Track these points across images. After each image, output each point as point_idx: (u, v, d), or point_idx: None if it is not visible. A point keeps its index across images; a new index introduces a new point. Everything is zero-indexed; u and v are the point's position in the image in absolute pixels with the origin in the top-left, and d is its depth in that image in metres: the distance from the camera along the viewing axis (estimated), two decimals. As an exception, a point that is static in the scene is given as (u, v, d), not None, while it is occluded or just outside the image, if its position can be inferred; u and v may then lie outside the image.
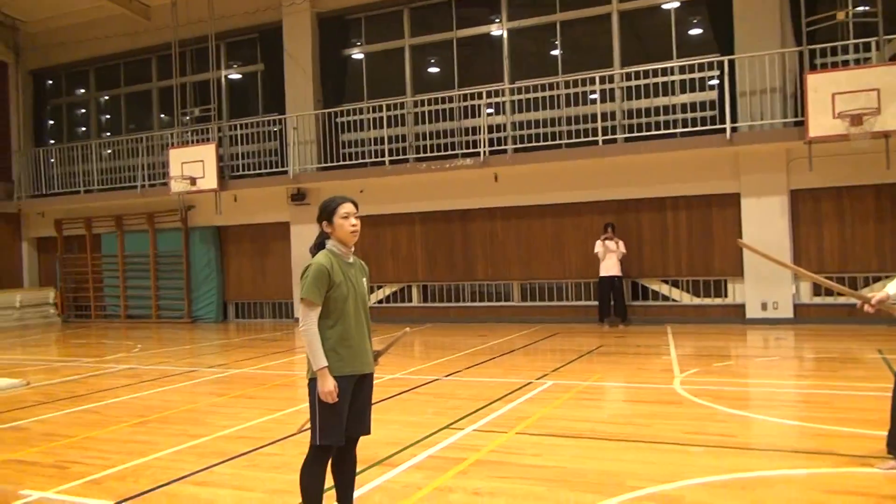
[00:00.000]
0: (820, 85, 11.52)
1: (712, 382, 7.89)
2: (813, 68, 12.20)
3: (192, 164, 16.42)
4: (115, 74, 19.94)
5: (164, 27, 17.89)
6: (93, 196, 18.89)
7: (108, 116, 20.64)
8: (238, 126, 17.47)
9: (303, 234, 16.07)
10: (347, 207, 3.84)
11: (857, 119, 11.11)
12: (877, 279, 12.46)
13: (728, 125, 12.50)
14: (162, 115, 19.42)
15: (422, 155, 15.42)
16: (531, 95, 14.60)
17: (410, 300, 16.07)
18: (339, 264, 3.80)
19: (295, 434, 5.86)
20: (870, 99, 11.11)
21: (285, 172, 16.24)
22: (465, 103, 15.08)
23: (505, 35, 15.33)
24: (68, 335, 16.52)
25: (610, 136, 13.75)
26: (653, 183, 13.75)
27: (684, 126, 13.36)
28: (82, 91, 20.73)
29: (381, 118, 15.55)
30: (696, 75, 13.35)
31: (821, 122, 11.47)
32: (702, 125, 13.09)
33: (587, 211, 14.34)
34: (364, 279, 3.97)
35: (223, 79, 18.15)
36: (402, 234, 15.95)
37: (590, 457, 5.23)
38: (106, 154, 19.20)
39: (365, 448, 4.36)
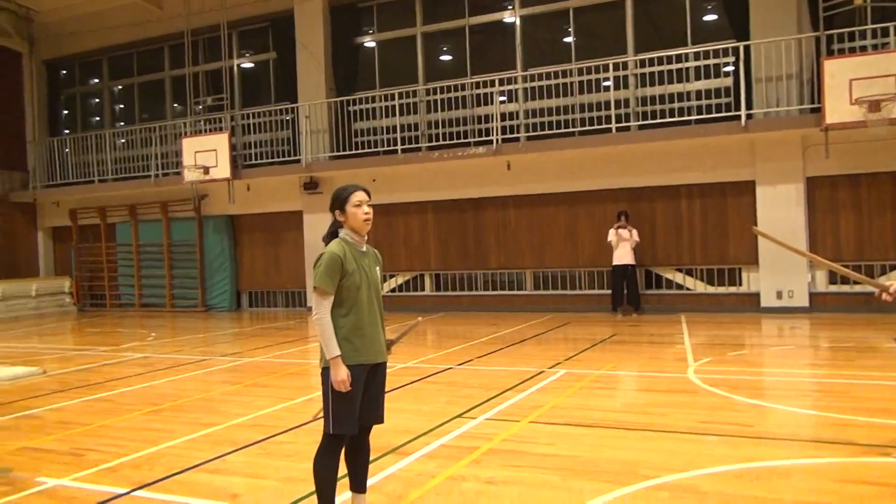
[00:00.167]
0: (837, 71, 11.37)
1: (727, 371, 7.85)
2: (830, 54, 12.05)
3: (205, 154, 16.45)
4: (127, 64, 19.99)
5: (177, 16, 17.90)
6: (107, 185, 19.00)
7: (121, 106, 20.72)
8: (250, 115, 17.49)
9: (315, 223, 16.08)
10: (360, 196, 3.82)
11: (874, 105, 10.97)
12: (894, 267, 12.34)
13: (743, 112, 12.38)
14: (175, 105, 19.45)
15: (434, 143, 15.38)
16: (544, 83, 14.51)
17: (423, 289, 16.07)
18: (352, 253, 3.78)
19: (308, 422, 5.88)
20: (888, 85, 10.96)
21: (298, 161, 16.25)
22: (477, 91, 15.01)
23: (517, 22, 15.23)
24: (83, 324, 16.65)
25: (623, 124, 13.65)
26: (667, 171, 13.65)
27: (699, 113, 13.24)
28: (96, 81, 20.80)
29: (394, 106, 15.51)
30: (711, 62, 13.23)
31: (838, 109, 11.34)
32: (717, 112, 12.97)
33: (600, 199, 14.26)
34: (377, 268, 3.95)
35: (235, 67, 18.15)
36: (415, 222, 15.93)
37: (603, 446, 5.21)
38: (120, 143, 19.29)
39: (378, 436, 4.36)
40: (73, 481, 4.82)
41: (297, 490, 4.45)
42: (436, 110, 15.54)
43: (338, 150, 16.17)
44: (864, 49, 12.07)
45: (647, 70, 13.76)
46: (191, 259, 18.39)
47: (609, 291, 13.91)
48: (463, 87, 15.20)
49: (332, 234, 3.89)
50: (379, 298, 3.91)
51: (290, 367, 9.31)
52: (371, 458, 4.09)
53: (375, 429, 3.98)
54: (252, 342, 12.01)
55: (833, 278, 12.79)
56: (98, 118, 20.90)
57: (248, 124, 17.53)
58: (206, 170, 16.38)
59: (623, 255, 13.34)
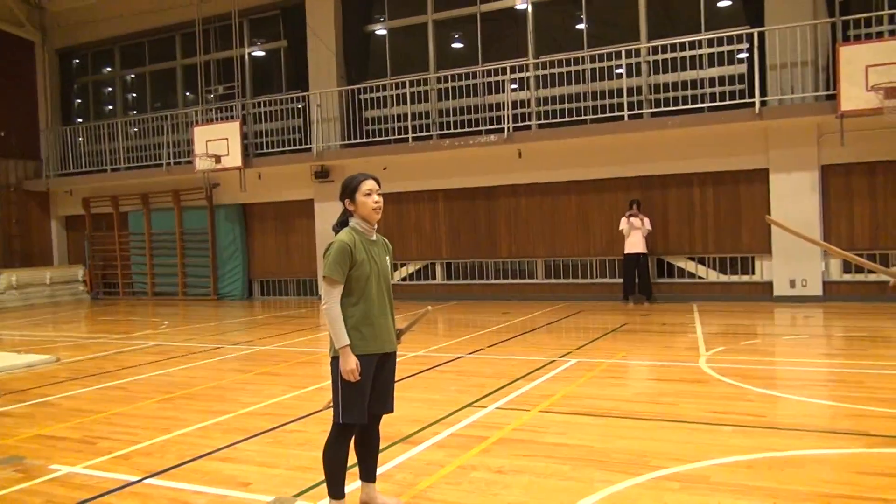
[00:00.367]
0: (853, 57, 11.23)
1: (739, 361, 7.80)
2: (846, 40, 11.91)
3: (217, 142, 16.48)
4: (139, 52, 20.02)
5: (188, 4, 17.89)
6: (119, 174, 19.08)
7: (133, 95, 20.77)
8: (262, 103, 17.48)
9: (327, 212, 16.09)
10: (370, 184, 3.81)
11: (891, 92, 10.83)
12: (909, 256, 12.22)
13: (757, 99, 12.26)
14: (186, 93, 19.47)
15: (445, 131, 15.33)
16: (556, 70, 14.41)
17: (434, 277, 16.07)
18: (361, 242, 3.77)
19: (319, 411, 5.89)
20: (905, 71, 10.82)
21: (309, 150, 16.24)
22: (488, 79, 14.94)
23: (529, 9, 15.11)
24: (97, 312, 16.77)
25: (636, 112, 13.55)
26: (679, 159, 13.55)
27: (712, 100, 13.12)
28: (108, 69, 20.86)
29: (405, 94, 15.46)
30: (725, 48, 13.09)
31: (853, 96, 11.21)
32: (730, 99, 12.84)
33: (612, 187, 14.18)
34: (387, 257, 3.94)
35: (246, 56, 18.13)
36: (426, 211, 15.91)
37: (614, 436, 5.19)
38: (132, 132, 19.34)
39: (388, 425, 4.36)
40: (86, 469, 4.86)
41: (307, 479, 4.46)
42: (447, 98, 15.48)
43: (349, 139, 16.15)
44: (880, 35, 11.91)
45: (660, 57, 13.63)
46: (203, 248, 18.46)
47: (621, 280, 13.86)
48: (474, 75, 15.13)
49: (341, 223, 3.88)
50: (389, 288, 3.90)
51: (301, 356, 9.33)
52: (381, 448, 4.10)
53: (385, 418, 3.98)
54: (264, 330, 12.05)
55: (847, 267, 12.68)
56: (110, 107, 20.97)
57: (260, 113, 17.54)
58: (218, 158, 16.41)
59: (635, 243, 13.27)
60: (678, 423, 5.46)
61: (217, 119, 17.47)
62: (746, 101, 12.55)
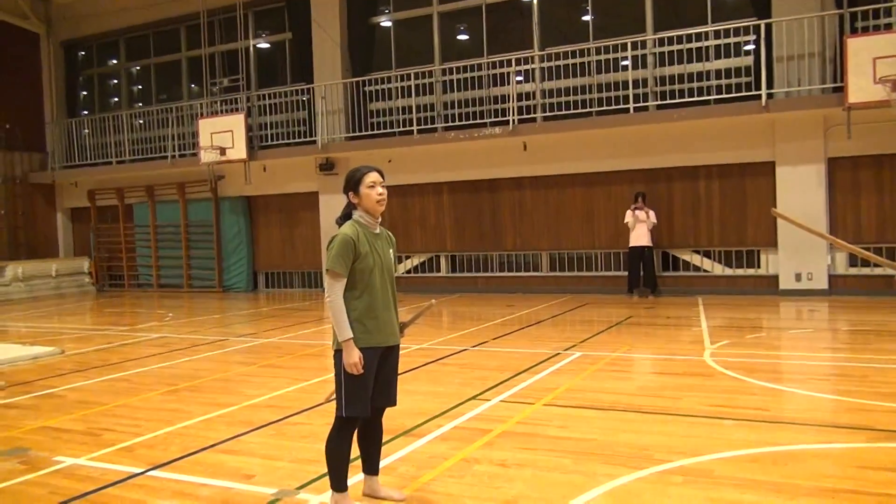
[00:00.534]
0: (860, 49, 11.16)
1: (744, 355, 7.78)
2: (853, 32, 11.82)
3: (222, 135, 16.49)
4: (144, 45, 20.00)
5: (193, -4, 17.87)
6: (124, 166, 19.10)
7: (139, 87, 20.76)
8: (266, 96, 17.47)
9: (331, 204, 16.08)
10: (373, 177, 3.79)
11: (898, 84, 10.76)
12: (916, 250, 12.16)
13: (764, 91, 12.19)
14: (192, 86, 19.46)
15: (450, 124, 15.29)
16: (561, 62, 14.36)
17: (438, 270, 16.06)
18: (365, 235, 3.76)
19: (322, 404, 5.89)
20: (912, 64, 10.75)
21: (314, 142, 16.23)
22: (493, 71, 14.89)
23: (535, 1, 15.04)
24: (102, 304, 16.82)
25: (641, 104, 13.51)
26: (685, 151, 13.50)
27: (718, 93, 13.05)
28: (113, 61, 20.85)
29: (410, 87, 15.43)
30: (732, 40, 13.02)
31: (861, 88, 11.14)
32: (736, 92, 12.78)
33: (617, 180, 14.14)
34: (391, 250, 3.93)
35: (251, 48, 18.11)
36: (431, 203, 15.89)
37: (618, 429, 5.18)
38: (137, 124, 19.36)
39: (391, 418, 4.36)
40: (90, 461, 4.87)
41: (310, 471, 4.46)
42: (452, 90, 15.44)
43: (353, 131, 16.13)
44: (888, 27, 11.83)
45: (666, 49, 13.58)
46: (208, 240, 18.49)
47: (625, 273, 13.84)
48: (479, 67, 15.08)
49: (345, 216, 3.87)
50: (392, 281, 3.89)
51: (305, 348, 9.34)
52: (384, 440, 4.11)
53: (389, 411, 3.99)
54: (268, 323, 12.07)
55: (853, 261, 12.62)
56: (116, 99, 20.97)
57: (264, 105, 17.53)
58: (223, 151, 16.42)
59: (640, 236, 13.24)
60: (682, 416, 5.45)
61: (222, 111, 17.47)
62: (753, 93, 12.49)
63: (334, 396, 3.81)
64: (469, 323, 11.10)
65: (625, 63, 13.88)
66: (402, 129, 15.48)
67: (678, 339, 9.06)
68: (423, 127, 15.24)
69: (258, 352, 9.27)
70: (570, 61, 14.22)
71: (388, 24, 16.64)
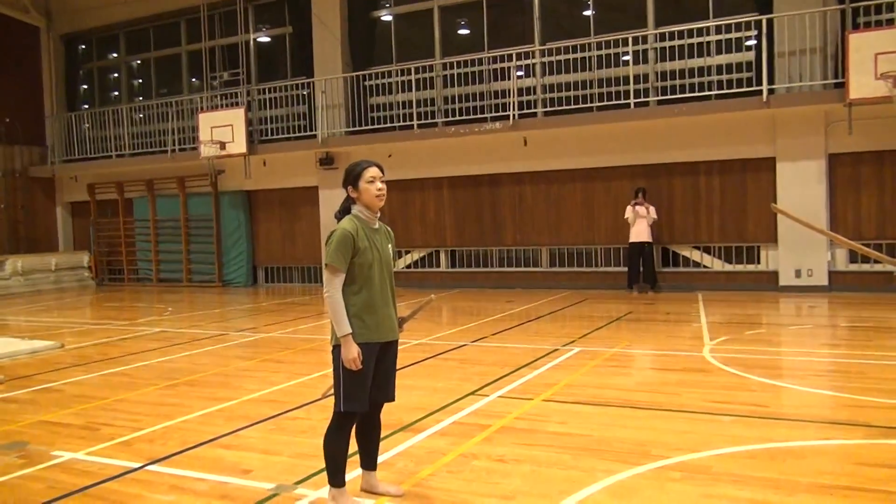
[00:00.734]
0: (862, 44, 11.13)
1: (743, 351, 7.78)
2: (855, 27, 11.79)
3: (222, 129, 16.46)
4: (144, 38, 19.95)
5: (193, -10, 17.82)
6: (124, 160, 19.08)
7: (139, 81, 20.72)
8: (266, 90, 17.43)
9: (331, 199, 16.06)
10: (373, 172, 3.78)
11: (900, 80, 10.74)
12: (916, 246, 12.15)
13: (765, 87, 12.16)
14: (192, 80, 19.43)
15: (450, 118, 15.26)
16: (562, 57, 14.31)
17: (438, 265, 16.06)
18: (364, 230, 3.75)
19: (319, 399, 5.89)
20: (914, 59, 10.72)
21: (314, 136, 16.21)
22: (494, 66, 14.86)
23: (535, -5, 15.01)
24: (102, 298, 16.82)
25: (642, 99, 13.47)
26: (686, 147, 13.48)
27: (719, 88, 13.03)
28: (113, 55, 20.81)
29: (410, 81, 15.40)
30: (733, 35, 12.98)
31: (862, 84, 11.12)
32: (738, 87, 12.75)
33: (618, 176, 14.12)
34: (389, 245, 3.92)
35: (252, 42, 18.06)
36: (431, 198, 15.88)
37: (616, 425, 5.18)
38: (137, 118, 19.33)
39: (390, 413, 4.37)
40: (88, 455, 4.87)
41: (309, 466, 4.47)
42: (452, 85, 15.41)
43: (354, 126, 16.11)
44: (890, 22, 11.79)
45: (667, 44, 13.54)
46: (207, 234, 18.47)
47: (625, 269, 13.83)
48: (480, 62, 15.04)
49: (344, 211, 3.86)
50: (391, 276, 3.89)
51: (305, 343, 9.34)
52: (382, 435, 4.11)
53: (387, 406, 3.98)
54: (268, 317, 12.07)
55: (853, 257, 12.61)
56: (116, 93, 20.93)
57: (264, 99, 17.50)
58: (223, 145, 16.40)
59: (640, 232, 13.23)
60: (680, 412, 5.45)
61: (222, 105, 17.44)
62: (754, 88, 12.46)
63: (332, 392, 3.80)
64: (468, 318, 11.10)
65: (626, 58, 13.85)
66: (402, 123, 15.45)
67: (677, 335, 9.06)
68: (423, 122, 15.21)
69: (257, 346, 9.27)
70: (571, 56, 14.18)
71: (389, 18, 16.60)
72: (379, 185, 3.79)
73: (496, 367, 7.27)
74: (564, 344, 8.45)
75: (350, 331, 3.64)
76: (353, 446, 3.88)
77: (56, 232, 20.98)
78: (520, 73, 14.74)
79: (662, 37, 13.59)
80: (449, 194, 15.71)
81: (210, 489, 4.19)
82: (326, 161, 16.26)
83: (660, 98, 13.44)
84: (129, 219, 19.74)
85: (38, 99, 20.74)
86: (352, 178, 3.80)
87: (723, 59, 13.11)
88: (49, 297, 17.22)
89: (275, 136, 17.04)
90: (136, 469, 4.56)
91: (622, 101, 13.47)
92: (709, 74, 13.16)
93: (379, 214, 3.89)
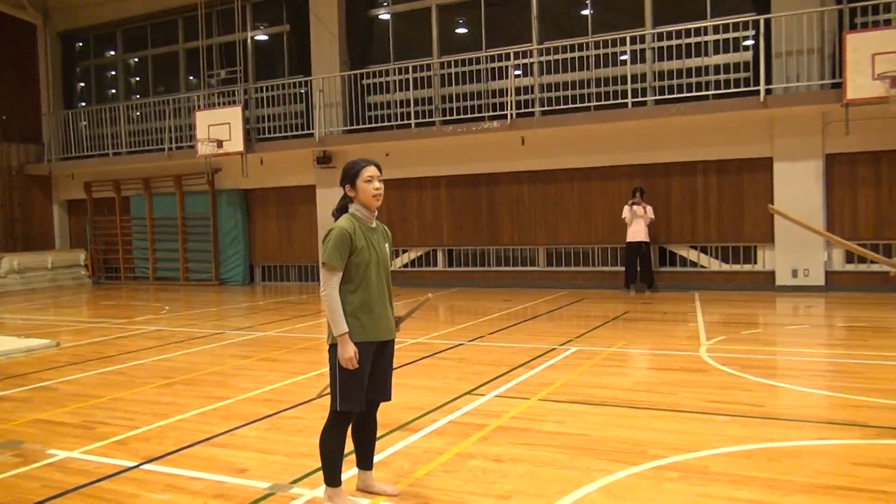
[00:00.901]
0: (860, 45, 11.14)
1: (740, 350, 7.78)
2: (853, 27, 11.80)
3: (219, 127, 16.43)
4: (142, 36, 19.91)
5: (190, -12, 17.79)
6: (121, 158, 19.03)
7: (136, 78, 20.69)
8: (264, 88, 17.40)
9: (329, 198, 16.05)
10: (371, 171, 3.77)
11: (897, 81, 10.75)
12: (913, 246, 12.17)
13: (762, 87, 12.17)
14: (189, 78, 19.39)
15: (448, 118, 15.25)
16: (560, 56, 14.31)
17: (435, 264, 16.05)
18: (361, 229, 3.74)
19: (315, 398, 5.88)
20: (912, 60, 10.73)
21: (311, 135, 16.19)
22: (492, 65, 14.85)
23: (533, -6, 15.00)
24: (98, 296, 16.79)
25: (640, 99, 13.47)
26: (683, 146, 13.49)
27: (717, 88, 13.03)
28: (110, 53, 20.76)
29: (408, 80, 15.38)
30: (731, 35, 12.98)
31: (859, 84, 11.13)
32: (735, 87, 12.75)
33: (615, 175, 14.13)
34: (386, 244, 3.91)
35: (249, 40, 18.03)
36: (428, 197, 15.87)
37: (613, 424, 5.18)
38: (134, 116, 19.28)
39: (386, 413, 4.35)
40: (84, 454, 4.86)
41: (305, 465, 4.46)
42: (450, 84, 15.40)
43: (351, 124, 16.09)
44: (887, 23, 11.80)
45: (664, 44, 13.54)
46: (204, 233, 18.45)
47: (622, 268, 13.83)
48: (478, 61, 15.03)
49: (341, 210, 3.85)
50: (388, 275, 3.88)
51: (301, 342, 9.33)
52: (378, 435, 4.10)
53: (384, 405, 3.97)
54: (264, 316, 12.05)
55: (850, 257, 12.63)
56: (113, 91, 20.88)
57: (262, 97, 17.47)
58: (220, 143, 16.37)
59: (637, 231, 13.23)
60: (677, 412, 5.45)
61: (219, 104, 17.41)
62: (751, 88, 12.47)
63: (328, 391, 3.80)
64: (465, 317, 11.09)
65: (623, 58, 13.86)
66: (399, 122, 15.44)
67: (674, 334, 9.06)
68: (420, 120, 15.20)
69: (254, 345, 9.26)
70: (569, 55, 14.17)
71: (387, 16, 16.58)
72: (376, 184, 3.78)
73: (493, 366, 7.27)
74: (561, 343, 8.45)
75: (347, 330, 3.63)
76: (350, 446, 3.87)
77: (52, 230, 20.93)
78: (517, 73, 14.73)
79: (660, 36, 13.59)
80: (446, 193, 15.70)
81: (206, 488, 4.18)
82: (324, 160, 16.24)
83: (657, 98, 13.43)
84: (126, 217, 19.71)
85: (35, 96, 20.68)
86: (349, 176, 3.79)
87: (720, 58, 13.12)
88: (45, 295, 17.18)
89: (272, 135, 17.01)
90: (131, 468, 4.54)
91: (620, 101, 13.46)
92: (706, 74, 13.16)
93: (376, 213, 3.88)
